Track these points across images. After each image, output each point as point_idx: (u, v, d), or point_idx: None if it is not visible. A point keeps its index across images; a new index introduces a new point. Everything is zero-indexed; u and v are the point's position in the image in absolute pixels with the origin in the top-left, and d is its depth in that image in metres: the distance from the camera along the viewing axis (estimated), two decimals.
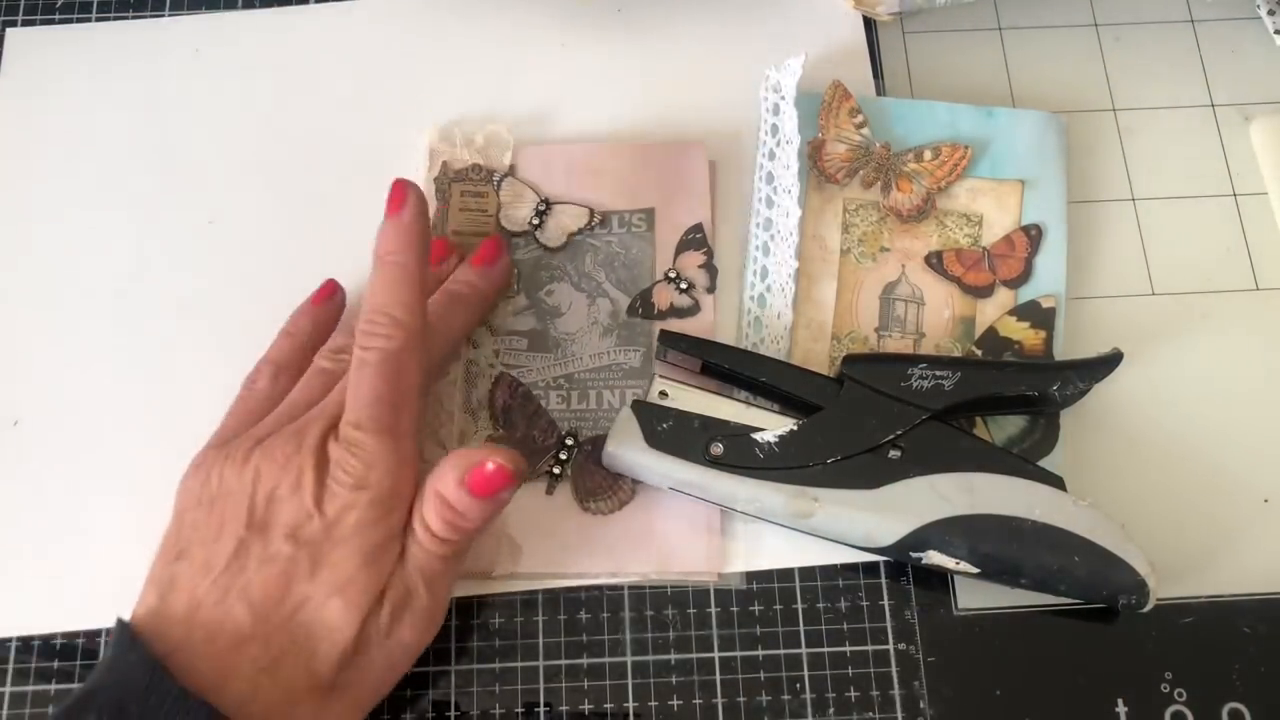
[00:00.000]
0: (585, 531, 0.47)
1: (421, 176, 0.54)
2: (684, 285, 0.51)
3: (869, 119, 0.54)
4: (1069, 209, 0.53)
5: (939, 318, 0.51)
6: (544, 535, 0.47)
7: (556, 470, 0.48)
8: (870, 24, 0.58)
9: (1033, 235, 0.52)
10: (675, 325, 0.51)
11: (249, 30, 0.59)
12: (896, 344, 0.51)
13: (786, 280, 0.51)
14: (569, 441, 0.49)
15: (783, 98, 0.53)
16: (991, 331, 0.51)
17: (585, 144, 0.55)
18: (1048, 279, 0.51)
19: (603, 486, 0.48)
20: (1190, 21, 0.59)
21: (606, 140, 0.55)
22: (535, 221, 0.53)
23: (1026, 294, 0.51)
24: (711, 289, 0.51)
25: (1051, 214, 0.53)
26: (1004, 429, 0.49)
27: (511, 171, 0.54)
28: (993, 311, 0.51)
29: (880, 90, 0.57)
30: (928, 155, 0.53)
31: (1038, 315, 0.51)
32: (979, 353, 0.50)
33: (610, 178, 0.54)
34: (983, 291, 0.52)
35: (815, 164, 0.53)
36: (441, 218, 0.53)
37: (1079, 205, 0.54)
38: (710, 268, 0.51)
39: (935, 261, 0.52)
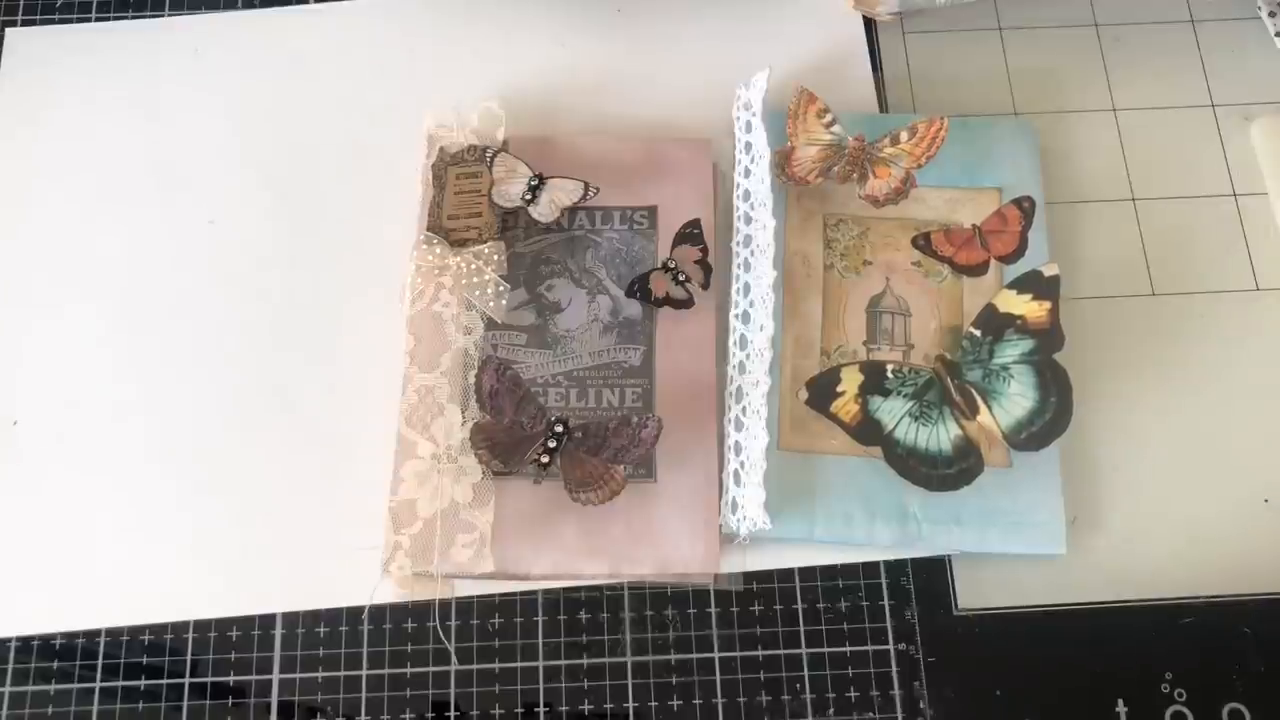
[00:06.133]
0: (580, 530, 0.47)
1: (420, 165, 0.54)
2: (681, 276, 0.51)
3: (839, 120, 0.52)
4: (1066, 209, 0.53)
5: (926, 329, 0.50)
6: (538, 533, 0.47)
7: (545, 459, 0.46)
8: (870, 24, 0.58)
9: (1025, 208, 0.50)
10: (671, 316, 0.50)
11: (249, 30, 0.59)
12: (886, 356, 0.50)
13: (767, 291, 0.49)
14: (558, 429, 0.47)
15: (754, 114, 0.53)
16: (990, 309, 0.48)
17: (589, 136, 0.55)
18: (1043, 258, 0.50)
19: (593, 476, 0.46)
20: (1190, 21, 0.59)
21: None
22: (528, 197, 0.52)
23: (1024, 268, 0.49)
24: (706, 285, 0.51)
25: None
26: (1012, 413, 0.47)
27: (505, 147, 0.53)
28: (988, 290, 0.50)
29: (880, 87, 0.57)
30: (904, 137, 0.51)
31: (1040, 285, 0.48)
32: (978, 334, 0.48)
33: (612, 172, 0.53)
34: (976, 270, 0.50)
35: (784, 171, 0.52)
36: (437, 204, 0.52)
37: (1079, 205, 0.54)
38: (705, 265, 0.51)
39: (923, 243, 0.51)
